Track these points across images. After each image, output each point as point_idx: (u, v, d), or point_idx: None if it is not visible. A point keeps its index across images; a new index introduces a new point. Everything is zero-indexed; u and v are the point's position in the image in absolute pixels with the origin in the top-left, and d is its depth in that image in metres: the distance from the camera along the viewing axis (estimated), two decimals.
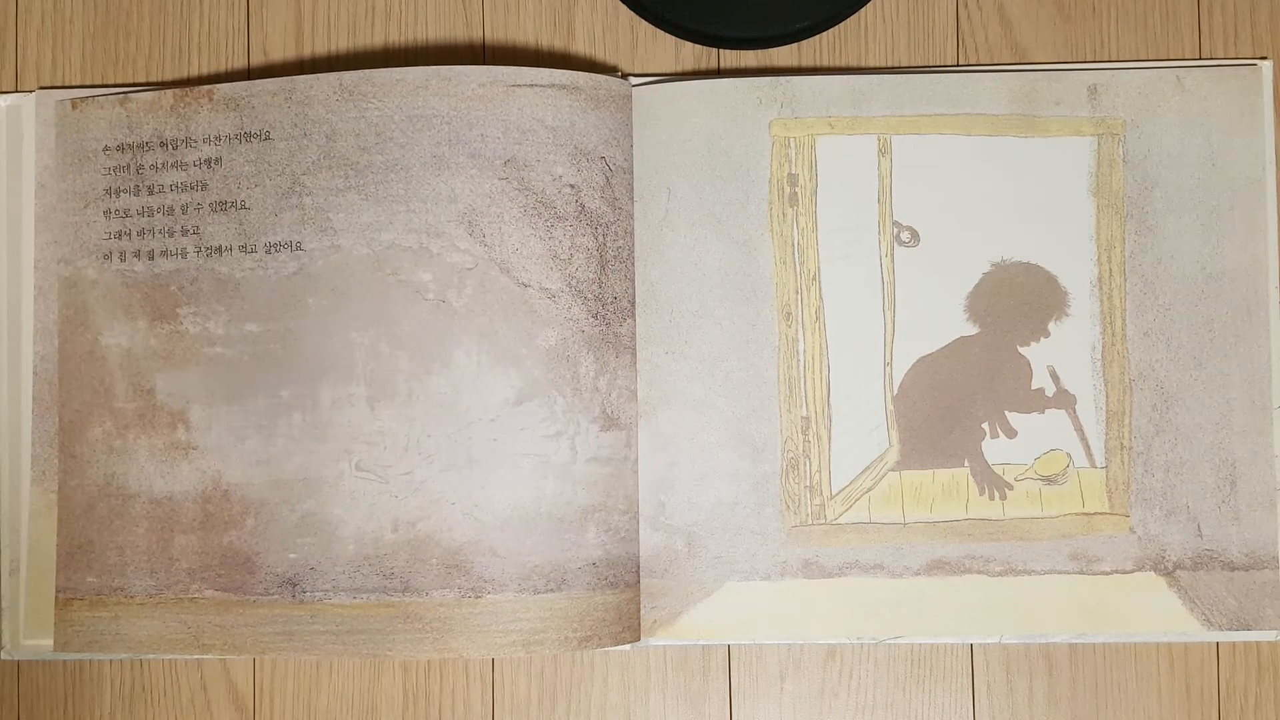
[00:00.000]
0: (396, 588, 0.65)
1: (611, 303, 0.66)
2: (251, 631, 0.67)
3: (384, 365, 0.66)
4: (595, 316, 0.66)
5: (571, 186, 0.66)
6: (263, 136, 0.67)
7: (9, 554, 0.69)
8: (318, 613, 0.66)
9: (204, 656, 0.68)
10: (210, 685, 0.69)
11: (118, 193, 0.69)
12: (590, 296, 0.66)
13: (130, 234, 0.69)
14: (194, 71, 0.71)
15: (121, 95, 0.69)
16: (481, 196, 0.66)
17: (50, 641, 0.68)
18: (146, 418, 0.68)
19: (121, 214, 0.69)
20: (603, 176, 0.67)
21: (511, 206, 0.66)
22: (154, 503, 0.68)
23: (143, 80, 0.71)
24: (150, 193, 0.69)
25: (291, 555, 0.66)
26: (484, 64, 0.70)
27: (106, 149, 0.69)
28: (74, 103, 0.69)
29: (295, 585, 0.66)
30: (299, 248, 0.67)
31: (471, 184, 0.66)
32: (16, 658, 0.69)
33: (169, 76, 0.71)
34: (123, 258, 0.69)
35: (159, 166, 0.69)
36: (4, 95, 0.71)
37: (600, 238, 0.66)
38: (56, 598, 0.68)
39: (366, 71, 0.67)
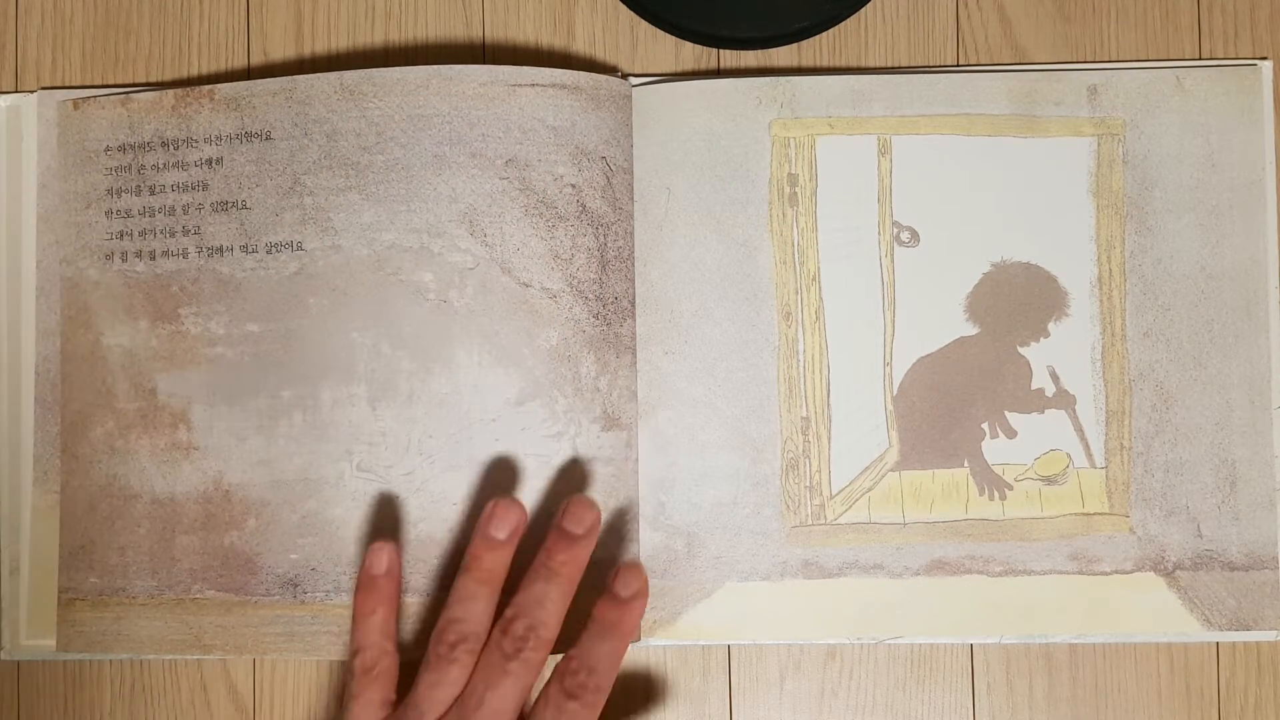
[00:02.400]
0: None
1: (612, 303, 0.67)
2: (253, 632, 0.67)
3: (385, 365, 0.67)
4: (596, 316, 0.67)
5: (573, 186, 0.67)
6: (264, 136, 0.68)
7: (9, 554, 0.69)
8: (319, 613, 0.67)
9: (206, 657, 0.68)
10: (210, 685, 0.70)
11: (119, 193, 0.69)
12: (591, 296, 0.67)
13: (132, 234, 0.69)
14: (194, 72, 0.72)
15: (123, 95, 0.70)
16: (482, 196, 0.66)
17: (52, 642, 0.68)
18: (148, 418, 0.68)
19: (123, 214, 0.69)
20: (604, 176, 0.67)
21: (513, 206, 0.66)
22: (155, 503, 0.68)
23: (143, 80, 0.72)
24: (152, 193, 0.69)
25: (293, 556, 0.67)
26: (484, 64, 0.71)
27: (108, 149, 0.69)
28: (75, 103, 0.70)
29: (296, 586, 0.67)
30: (300, 248, 0.67)
31: (473, 184, 0.66)
32: (17, 658, 0.69)
33: (169, 76, 0.72)
34: (124, 258, 0.69)
35: (160, 166, 0.69)
36: (4, 95, 0.71)
37: (601, 238, 0.67)
38: (59, 598, 0.68)
39: (367, 71, 0.67)
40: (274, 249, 0.68)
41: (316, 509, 0.67)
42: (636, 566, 0.62)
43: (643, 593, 0.61)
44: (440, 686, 0.59)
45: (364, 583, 0.62)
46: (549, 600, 0.59)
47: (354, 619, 0.62)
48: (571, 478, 0.67)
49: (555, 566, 0.60)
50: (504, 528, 0.60)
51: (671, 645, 0.69)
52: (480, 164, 0.66)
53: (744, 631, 0.68)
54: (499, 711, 0.57)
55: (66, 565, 0.68)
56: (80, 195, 0.69)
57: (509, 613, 0.59)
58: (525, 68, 0.67)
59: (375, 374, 0.67)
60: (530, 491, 0.66)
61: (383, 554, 0.62)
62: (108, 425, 0.69)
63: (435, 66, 0.67)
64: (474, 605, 0.60)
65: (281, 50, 0.72)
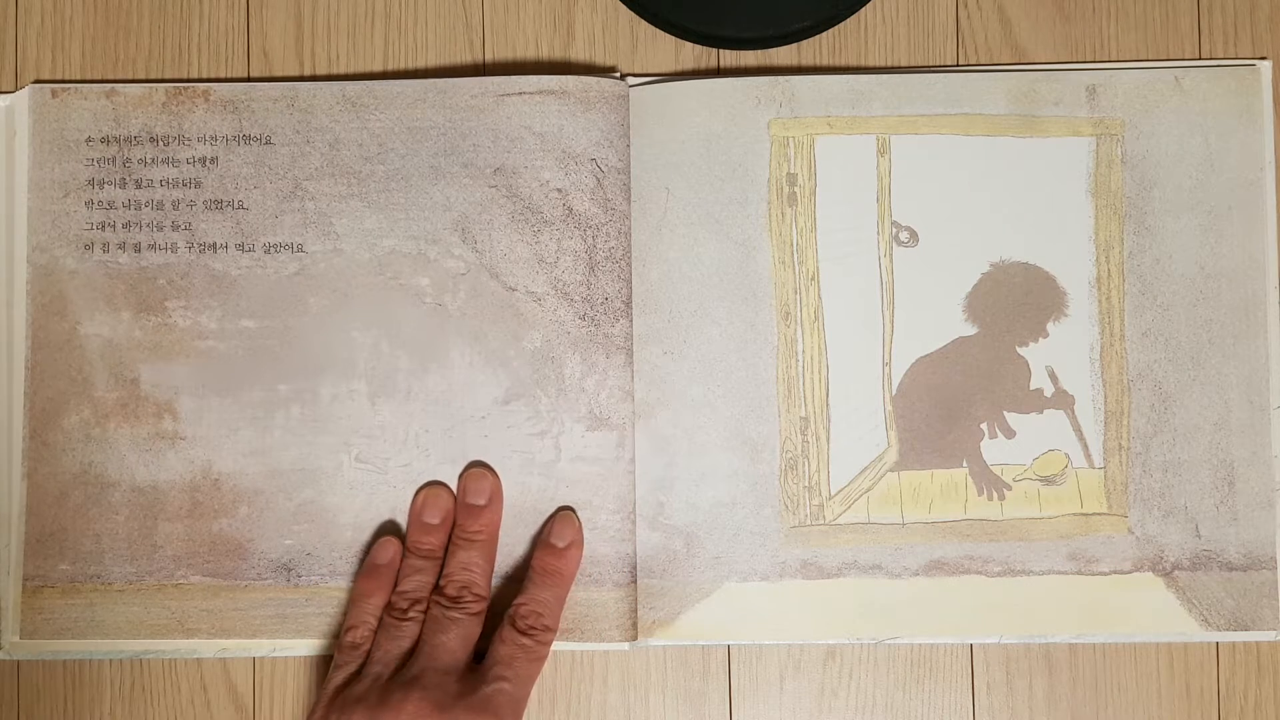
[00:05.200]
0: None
1: (602, 304, 0.69)
2: (242, 615, 0.70)
3: (385, 364, 0.70)
4: (583, 318, 0.69)
5: (559, 190, 0.69)
6: (263, 140, 0.70)
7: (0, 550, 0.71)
8: (313, 595, 0.69)
9: (188, 640, 0.70)
10: (210, 685, 0.71)
11: (101, 184, 0.71)
12: (578, 298, 0.69)
13: (115, 226, 0.71)
14: (194, 72, 0.73)
15: (108, 88, 0.71)
16: (473, 205, 0.69)
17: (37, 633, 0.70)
18: (129, 407, 0.70)
19: (105, 205, 0.71)
20: (593, 179, 0.69)
21: (500, 214, 0.69)
22: (136, 491, 0.70)
23: (142, 80, 0.73)
24: (138, 186, 0.71)
25: (287, 541, 0.70)
26: (483, 63, 0.73)
27: (90, 140, 0.71)
28: (54, 91, 0.71)
29: (290, 570, 0.70)
30: (300, 249, 0.70)
31: (464, 193, 0.69)
32: (16, 657, 0.70)
33: (168, 76, 0.73)
34: (105, 249, 0.71)
35: (148, 161, 0.71)
36: (3, 95, 0.72)
37: (589, 239, 0.69)
38: (24, 585, 0.70)
39: (368, 83, 0.70)
40: (273, 249, 0.70)
41: (313, 497, 0.70)
42: (569, 517, 0.69)
43: (577, 541, 0.68)
44: (397, 640, 0.66)
45: (368, 569, 0.69)
46: (473, 564, 0.67)
47: (352, 598, 0.68)
48: (556, 476, 0.69)
49: (471, 535, 0.68)
50: (436, 514, 0.68)
51: (671, 645, 0.70)
52: (471, 173, 0.69)
53: (743, 632, 0.70)
54: (448, 650, 0.64)
55: (33, 553, 0.70)
56: (57, 184, 0.71)
57: (442, 581, 0.67)
58: (514, 77, 0.70)
59: (375, 371, 0.70)
60: (513, 486, 0.69)
61: (389, 547, 0.69)
62: (83, 413, 0.70)
63: (431, 80, 0.70)
64: (420, 577, 0.67)
65: (281, 50, 0.73)
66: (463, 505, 0.69)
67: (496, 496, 0.69)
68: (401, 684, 0.63)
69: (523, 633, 0.65)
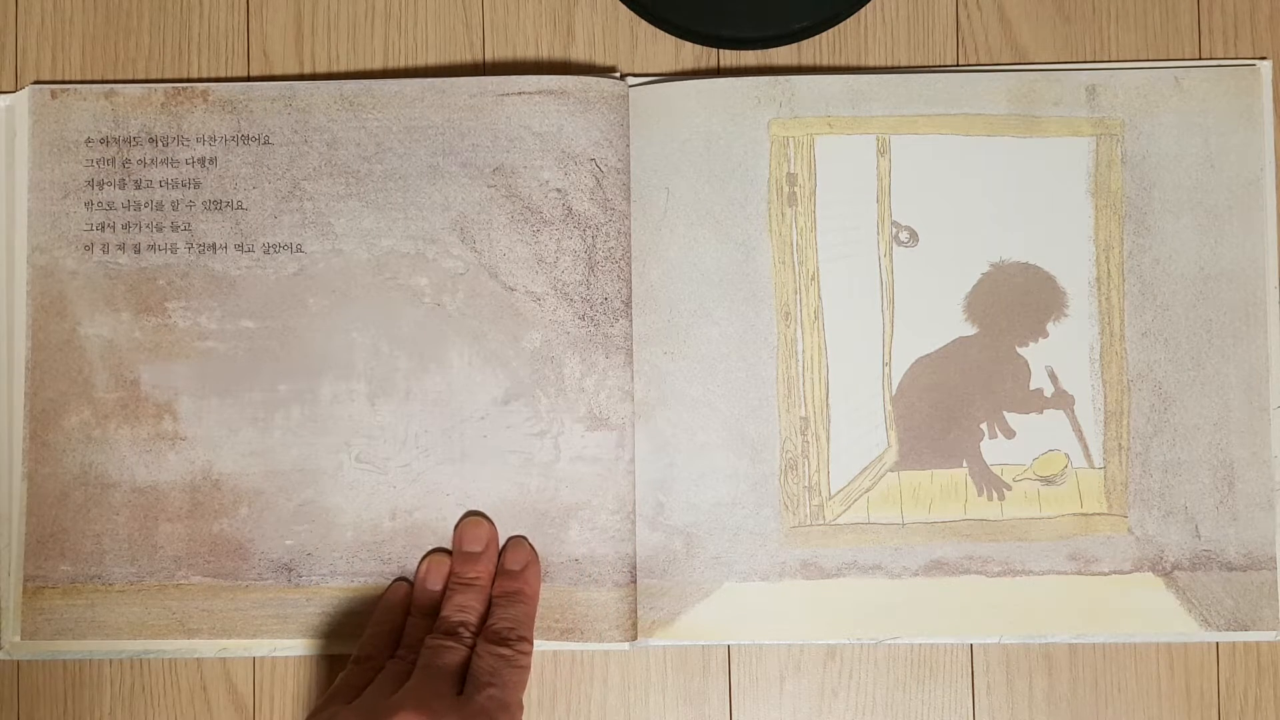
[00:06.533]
0: (393, 571, 0.70)
1: (601, 304, 0.69)
2: (242, 615, 0.70)
3: (384, 364, 0.70)
4: (582, 318, 0.69)
5: (558, 190, 0.69)
6: (262, 140, 0.71)
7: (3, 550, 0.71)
8: (313, 595, 0.70)
9: (189, 640, 0.70)
10: (210, 685, 0.72)
11: (101, 185, 0.71)
12: (577, 298, 0.69)
13: (114, 226, 0.71)
14: (194, 73, 0.73)
15: (107, 89, 0.72)
16: (472, 204, 0.69)
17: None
18: (130, 408, 0.70)
19: (105, 206, 0.71)
20: (593, 179, 0.70)
21: (499, 213, 0.70)
22: (136, 491, 0.70)
23: (142, 80, 0.73)
24: (137, 187, 0.71)
25: (288, 542, 0.70)
26: (483, 63, 0.73)
27: (89, 141, 0.71)
28: (53, 92, 0.72)
29: (291, 570, 0.70)
30: (299, 249, 0.70)
31: (463, 192, 0.70)
32: (16, 657, 0.70)
33: (168, 76, 0.73)
34: (105, 249, 0.71)
35: (147, 162, 0.71)
36: (3, 95, 0.72)
37: (589, 239, 0.69)
38: (25, 586, 0.70)
39: (366, 83, 0.70)
40: (272, 249, 0.71)
41: (313, 497, 0.70)
42: (519, 542, 0.70)
43: (533, 561, 0.69)
44: (394, 673, 0.65)
45: (383, 605, 0.69)
46: (469, 606, 0.67)
47: (370, 625, 0.68)
48: (555, 476, 0.69)
49: (468, 581, 0.68)
50: (438, 580, 0.69)
51: (671, 645, 0.71)
52: (470, 173, 0.70)
53: (743, 632, 0.70)
54: (439, 669, 0.64)
55: (34, 553, 0.70)
56: (57, 185, 0.71)
57: (439, 623, 0.67)
58: (513, 77, 0.70)
59: (374, 371, 0.70)
60: (513, 487, 0.69)
61: (401, 589, 0.70)
62: (84, 414, 0.71)
63: (430, 80, 0.70)
64: (424, 622, 0.68)
65: (281, 50, 0.73)
66: (459, 553, 0.69)
67: (492, 544, 0.69)
68: (394, 699, 0.63)
69: (498, 644, 0.65)
